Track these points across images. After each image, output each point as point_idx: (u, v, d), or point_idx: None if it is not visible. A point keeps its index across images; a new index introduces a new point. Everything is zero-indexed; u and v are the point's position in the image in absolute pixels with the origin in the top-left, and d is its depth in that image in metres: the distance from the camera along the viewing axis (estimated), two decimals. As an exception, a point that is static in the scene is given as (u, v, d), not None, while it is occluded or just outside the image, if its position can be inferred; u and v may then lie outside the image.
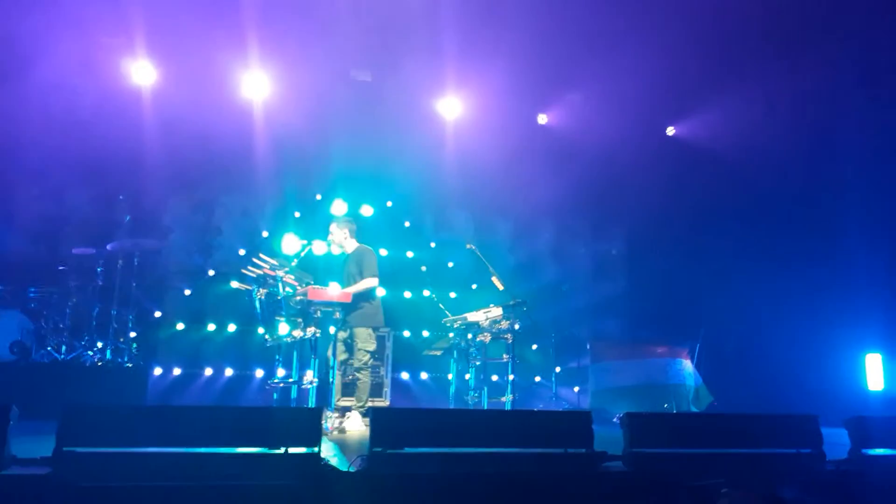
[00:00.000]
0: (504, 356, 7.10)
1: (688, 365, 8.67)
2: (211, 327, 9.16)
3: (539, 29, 8.49)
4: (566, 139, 10.10)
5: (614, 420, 8.29)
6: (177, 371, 8.87)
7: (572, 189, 9.89)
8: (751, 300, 9.17)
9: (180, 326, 9.05)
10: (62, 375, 7.37)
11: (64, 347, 7.72)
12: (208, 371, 9.03)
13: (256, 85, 9.09)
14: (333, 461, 3.98)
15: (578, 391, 9.44)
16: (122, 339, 8.03)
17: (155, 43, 8.49)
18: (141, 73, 8.71)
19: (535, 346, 10.03)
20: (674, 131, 10.60)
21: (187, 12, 8.02)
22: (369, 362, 6.89)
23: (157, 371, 8.69)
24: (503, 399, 6.98)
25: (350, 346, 6.86)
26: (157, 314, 8.99)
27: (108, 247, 8.13)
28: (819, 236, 9.03)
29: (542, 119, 10.34)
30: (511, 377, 6.99)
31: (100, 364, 7.67)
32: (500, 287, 7.26)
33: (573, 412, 4.94)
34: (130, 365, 7.89)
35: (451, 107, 9.81)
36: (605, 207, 10.40)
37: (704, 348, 8.86)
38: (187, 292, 9.23)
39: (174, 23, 8.22)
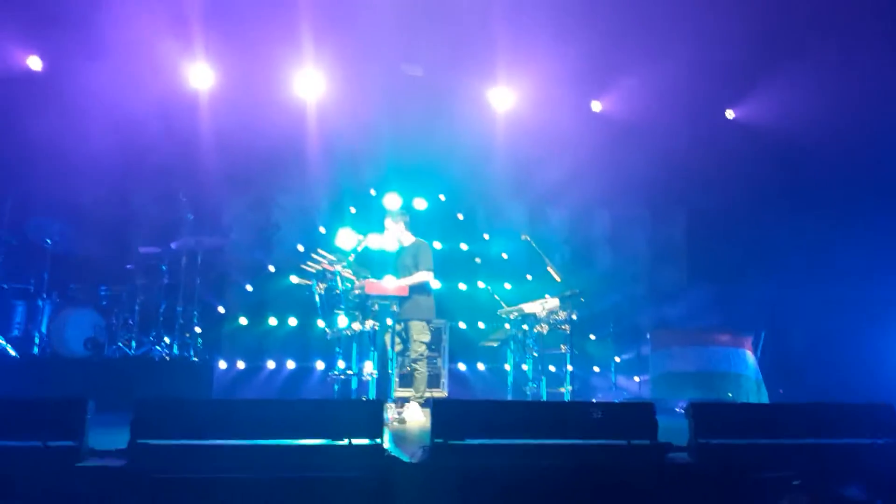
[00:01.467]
0: (562, 347, 7.04)
1: (750, 356, 8.43)
2: (272, 321, 9.37)
3: (591, 14, 8.36)
4: (622, 125, 9.92)
5: (676, 409, 8.14)
6: (240, 364, 9.11)
7: (629, 176, 9.70)
8: (818, 285, 8.85)
9: (243, 321, 9.30)
10: (133, 370, 7.66)
11: (134, 343, 8.00)
12: (270, 364, 9.25)
13: (310, 83, 9.23)
14: (396, 452, 4.02)
15: (640, 381, 9.29)
16: (187, 335, 8.28)
17: (213, 46, 8.71)
18: (200, 76, 8.94)
19: (593, 336, 9.90)
20: (733, 115, 10.28)
21: (242, 15, 8.20)
22: (425, 353, 6.94)
23: (222, 364, 8.95)
24: (562, 390, 6.93)
25: (405, 339, 6.92)
26: (221, 309, 9.25)
27: (173, 245, 8.37)
28: (892, 217, 8.63)
29: (597, 106, 10.17)
30: (570, 368, 6.93)
31: (168, 359, 7.93)
32: (558, 278, 7.20)
33: (636, 403, 4.86)
34: (196, 359, 8.14)
35: (503, 97, 9.74)
36: (663, 193, 10.16)
37: (770, 336, 8.59)
38: (249, 288, 9.46)
39: (230, 26, 8.43)
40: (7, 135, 8.18)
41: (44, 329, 7.81)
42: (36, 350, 7.74)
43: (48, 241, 8.04)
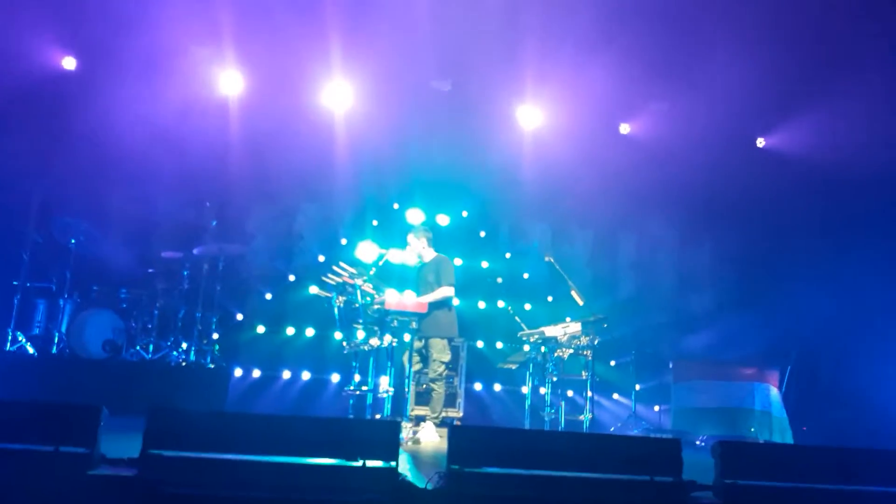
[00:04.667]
0: (583, 373, 6.90)
1: (775, 392, 8.23)
2: (290, 331, 9.34)
3: (622, 36, 8.27)
4: (650, 149, 9.78)
5: (697, 443, 7.94)
6: (256, 373, 9.07)
7: (655, 201, 9.56)
8: (849, 321, 8.62)
9: (261, 329, 9.27)
10: (149, 374, 7.65)
11: (151, 347, 7.99)
12: (286, 374, 9.20)
13: (338, 95, 9.22)
14: (410, 476, 3.92)
15: (660, 410, 9.09)
16: (205, 341, 8.27)
17: (243, 53, 8.74)
18: (229, 82, 8.98)
19: (613, 363, 9.73)
20: (764, 143, 10.12)
21: (274, 23, 8.22)
22: (444, 373, 6.84)
23: (238, 372, 8.91)
24: (581, 417, 6.79)
25: (425, 356, 6.83)
26: (239, 317, 9.23)
27: (195, 251, 8.38)
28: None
29: (625, 129, 10.06)
30: (591, 395, 6.79)
31: (184, 364, 7.91)
32: (580, 301, 7.08)
33: (661, 438, 4.71)
34: (213, 366, 8.10)
35: (531, 116, 9.67)
36: (690, 220, 10.00)
37: (796, 371, 8.38)
38: (268, 296, 9.44)
39: (261, 34, 8.46)
40: (39, 133, 8.26)
41: (63, 329, 7.83)
42: (55, 350, 7.75)
43: (73, 240, 8.08)
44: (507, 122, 9.72)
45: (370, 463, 3.75)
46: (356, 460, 3.74)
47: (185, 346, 8.09)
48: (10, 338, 7.63)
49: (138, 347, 7.91)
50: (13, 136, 8.00)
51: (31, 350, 7.62)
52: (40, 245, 8.07)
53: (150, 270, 8.42)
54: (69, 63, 8.68)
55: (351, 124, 9.31)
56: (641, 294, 10.02)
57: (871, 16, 7.82)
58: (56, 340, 7.80)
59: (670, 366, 8.75)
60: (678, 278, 10.16)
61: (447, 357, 6.83)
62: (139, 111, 8.11)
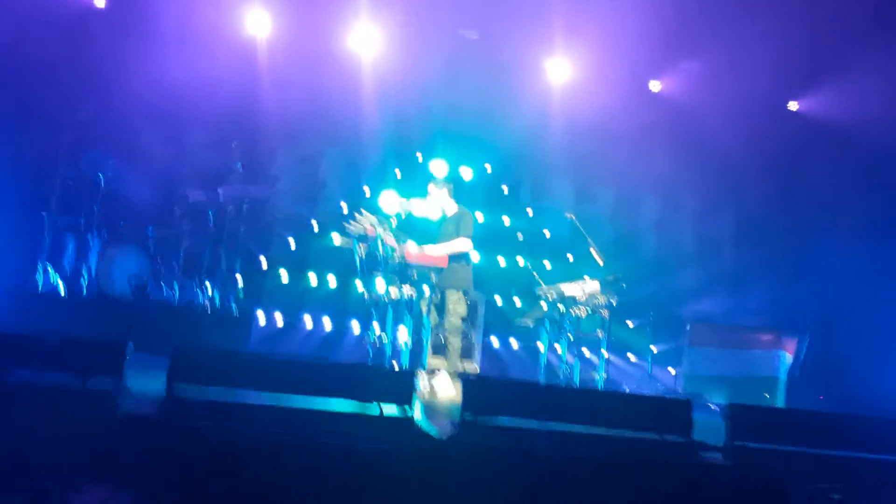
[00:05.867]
0: (598, 332, 6.93)
1: (788, 358, 8.23)
2: (312, 277, 9.41)
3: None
4: (679, 109, 9.59)
5: (711, 406, 7.99)
6: (278, 318, 9.20)
7: (683, 161, 9.42)
8: (868, 293, 8.53)
9: (284, 274, 9.35)
10: (174, 316, 7.78)
11: (177, 286, 8.10)
12: (307, 320, 9.32)
13: (366, 38, 9.10)
14: (425, 424, 4.01)
15: (676, 373, 9.13)
16: (229, 284, 8.37)
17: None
18: (257, 22, 8.88)
19: (630, 323, 9.74)
20: (797, 106, 9.87)
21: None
22: (460, 326, 6.88)
23: (261, 317, 9.03)
24: (595, 376, 6.85)
25: (441, 309, 6.88)
26: (263, 260, 9.31)
27: (220, 191, 8.42)
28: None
29: (655, 86, 9.85)
30: (605, 354, 6.84)
31: (208, 309, 8.01)
32: (601, 261, 7.06)
33: (672, 399, 4.77)
34: (236, 308, 8.22)
35: (560, 69, 9.49)
36: (717, 183, 9.85)
37: (815, 341, 8.35)
38: (291, 241, 9.49)
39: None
40: (68, 69, 8.28)
41: (92, 266, 7.95)
42: (84, 290, 7.89)
43: (101, 175, 8.14)
44: (535, 75, 9.55)
45: (386, 409, 3.84)
46: (373, 404, 3.84)
47: (209, 286, 8.20)
48: (41, 274, 7.77)
49: (163, 284, 8.02)
50: (44, 72, 8.04)
51: (62, 288, 7.75)
52: (69, 179, 8.15)
53: (176, 209, 8.49)
54: (99, 0, 8.63)
55: (377, 70, 9.20)
56: (662, 256, 9.96)
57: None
58: (85, 278, 7.92)
59: (687, 328, 8.75)
60: (700, 241, 10.07)
61: (463, 309, 6.85)
62: (167, 50, 8.09)
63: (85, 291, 7.87)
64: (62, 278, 7.85)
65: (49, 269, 7.82)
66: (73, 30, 8.30)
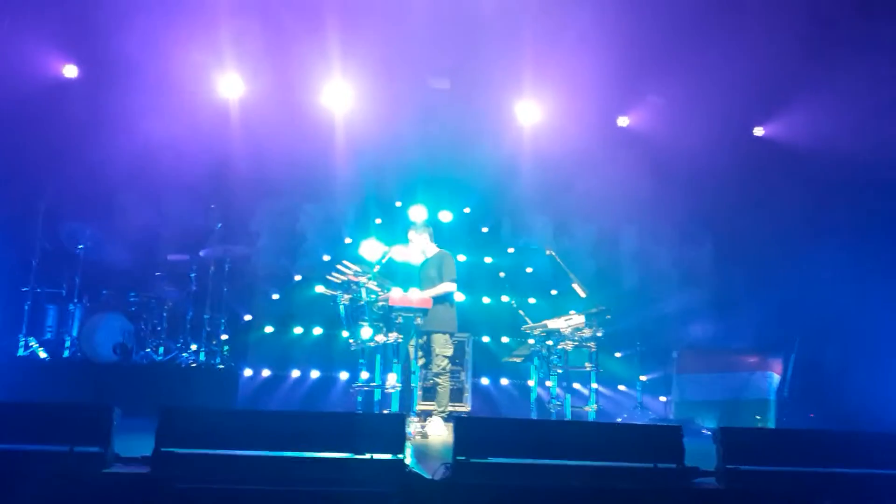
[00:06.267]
0: (587, 365, 6.96)
1: (775, 378, 8.29)
2: (298, 330, 9.44)
3: (618, 30, 8.32)
4: (648, 141, 9.83)
5: (703, 431, 8.00)
6: (265, 372, 9.18)
7: (655, 192, 9.59)
8: (851, 308, 8.63)
9: (269, 329, 9.37)
10: (160, 376, 7.75)
11: (161, 349, 8.09)
12: (295, 373, 9.29)
13: (338, 95, 9.30)
14: (417, 468, 3.99)
15: (666, 401, 9.15)
16: (214, 342, 8.37)
17: (243, 55, 8.82)
18: (229, 85, 9.06)
19: (618, 354, 9.79)
20: (762, 132, 10.15)
21: (272, 26, 8.31)
22: (447, 367, 6.90)
23: (248, 372, 9.02)
24: (587, 408, 6.85)
25: (427, 352, 6.90)
26: (247, 317, 9.34)
27: (201, 253, 8.48)
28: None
29: (623, 121, 10.11)
30: (595, 386, 6.86)
31: (194, 365, 8.01)
32: (583, 294, 7.14)
33: (663, 426, 4.77)
34: (222, 366, 8.20)
35: (530, 111, 9.73)
36: (690, 211, 10.03)
37: (801, 359, 8.42)
38: (275, 296, 9.55)
39: (260, 36, 8.53)
40: (42, 141, 8.37)
41: (74, 333, 7.93)
42: (66, 353, 7.85)
43: (80, 246, 8.18)
44: (506, 118, 9.78)
45: (378, 456, 3.82)
46: (364, 454, 3.82)
47: (194, 347, 8.19)
48: (22, 343, 7.74)
49: (148, 350, 8.01)
50: (18, 145, 8.12)
51: (42, 355, 7.72)
52: (49, 251, 8.17)
53: (158, 273, 8.52)
54: (70, 71, 8.79)
55: (351, 124, 9.39)
56: (645, 285, 10.06)
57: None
58: (68, 344, 7.90)
59: (674, 356, 8.81)
60: (681, 268, 10.20)
61: (449, 351, 6.89)
62: (141, 117, 8.21)
63: (68, 357, 7.82)
64: (44, 347, 7.79)
65: (31, 340, 7.77)
66: (46, 102, 8.42)
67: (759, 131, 10.14)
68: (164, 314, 8.21)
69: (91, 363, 7.74)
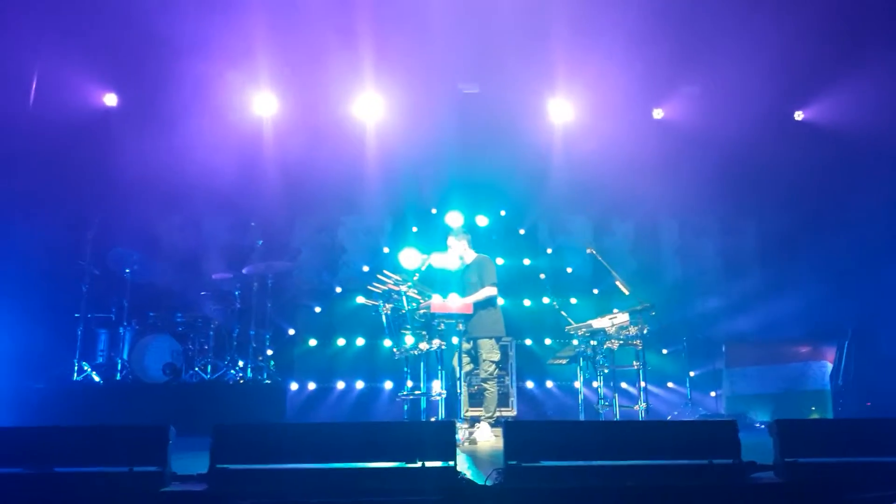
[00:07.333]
0: (634, 363, 6.86)
1: (828, 368, 8.06)
2: (341, 342, 9.51)
3: (649, 21, 8.22)
4: (685, 132, 9.66)
5: (757, 425, 7.82)
6: (311, 385, 9.26)
7: (696, 184, 9.42)
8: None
9: (313, 342, 9.47)
10: (209, 394, 7.88)
11: (209, 367, 8.24)
12: (340, 384, 9.36)
13: (369, 106, 9.39)
14: (469, 474, 3.99)
15: (716, 396, 8.96)
16: (260, 358, 8.48)
17: (275, 73, 8.98)
18: (264, 103, 9.23)
19: (665, 351, 9.63)
20: (802, 116, 9.90)
21: (303, 42, 8.43)
22: (495, 372, 6.88)
23: (294, 386, 9.12)
24: (636, 407, 6.75)
25: (474, 357, 6.89)
26: (291, 332, 9.46)
27: (244, 270, 8.62)
28: None
29: (658, 114, 9.97)
30: (643, 384, 6.76)
31: (242, 382, 8.13)
32: (626, 291, 7.05)
33: (717, 421, 4.68)
34: (269, 381, 8.31)
35: (562, 109, 9.67)
36: (734, 200, 9.82)
37: (855, 346, 8.16)
38: (318, 309, 9.66)
39: (291, 53, 8.69)
40: (89, 169, 8.64)
41: (125, 356, 8.12)
42: (118, 376, 8.05)
43: (127, 270, 8.39)
44: (539, 118, 9.74)
45: (429, 463, 3.83)
46: (415, 462, 3.84)
47: (241, 363, 8.31)
48: (76, 368, 7.96)
49: (197, 369, 8.15)
50: (65, 176, 8.39)
51: (96, 378, 7.93)
52: (97, 277, 8.39)
53: (203, 293, 8.69)
54: (110, 99, 9.06)
55: (384, 134, 9.47)
56: (689, 279, 9.89)
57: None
58: (119, 367, 8.09)
59: (723, 349, 8.63)
60: (726, 260, 9.99)
61: (497, 356, 6.87)
62: (180, 140, 8.40)
63: (120, 380, 8.03)
64: (97, 371, 8.00)
65: (85, 365, 7.99)
66: (90, 131, 8.69)
67: (799, 115, 9.90)
68: (211, 333, 8.36)
69: (142, 384, 7.92)
